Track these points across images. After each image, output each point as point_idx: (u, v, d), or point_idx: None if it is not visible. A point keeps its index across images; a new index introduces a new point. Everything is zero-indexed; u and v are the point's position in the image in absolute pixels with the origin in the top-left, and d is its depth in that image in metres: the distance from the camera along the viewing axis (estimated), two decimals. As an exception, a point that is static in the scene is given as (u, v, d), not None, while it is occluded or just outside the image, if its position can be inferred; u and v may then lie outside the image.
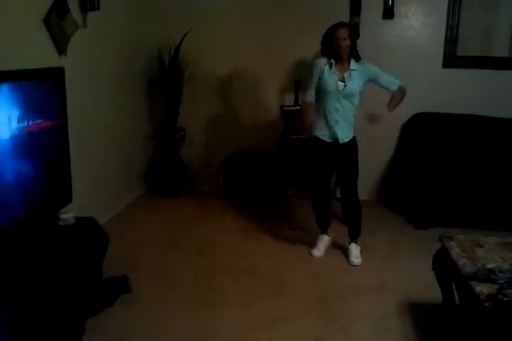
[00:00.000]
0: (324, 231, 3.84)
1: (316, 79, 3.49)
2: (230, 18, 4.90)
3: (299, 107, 4.56)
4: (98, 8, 3.81)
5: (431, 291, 2.98)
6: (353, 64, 3.43)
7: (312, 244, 3.81)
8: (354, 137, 3.58)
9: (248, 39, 4.91)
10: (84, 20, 3.73)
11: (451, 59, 4.76)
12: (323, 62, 3.47)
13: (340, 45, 3.36)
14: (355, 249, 3.70)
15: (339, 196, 4.71)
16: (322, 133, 3.53)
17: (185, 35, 4.70)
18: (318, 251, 3.75)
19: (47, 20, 3.25)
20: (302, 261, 3.67)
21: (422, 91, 4.77)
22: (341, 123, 3.48)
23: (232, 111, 5.11)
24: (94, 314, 2.80)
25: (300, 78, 4.70)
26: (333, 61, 3.44)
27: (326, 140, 3.53)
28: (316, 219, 3.85)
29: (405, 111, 4.79)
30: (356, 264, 3.61)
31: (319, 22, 4.64)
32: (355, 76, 3.43)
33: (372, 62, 3.56)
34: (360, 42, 3.58)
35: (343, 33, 3.36)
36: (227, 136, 5.16)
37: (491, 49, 4.82)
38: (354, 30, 3.44)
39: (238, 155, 5.05)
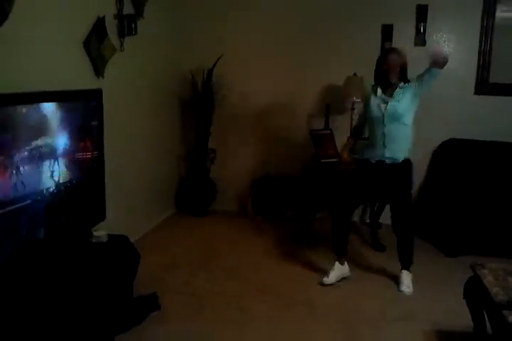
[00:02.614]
0: (340, 259, 3.65)
1: (363, 111, 3.63)
2: (261, 43, 5.00)
3: (328, 131, 4.60)
4: (135, 33, 3.93)
5: (461, 320, 2.91)
6: (400, 84, 3.43)
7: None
8: (406, 160, 3.51)
9: (279, 63, 4.99)
10: (122, 44, 3.85)
11: (484, 86, 4.75)
12: (368, 91, 3.60)
13: (390, 68, 3.37)
14: (406, 277, 3.57)
15: (368, 221, 4.75)
16: (368, 155, 3.54)
17: (218, 60, 4.81)
18: (328, 280, 3.56)
19: (86, 44, 3.37)
20: (331, 285, 3.61)
21: (453, 118, 4.77)
22: (390, 147, 3.43)
23: (263, 134, 5.17)
24: (123, 331, 2.82)
25: (330, 102, 4.75)
26: (378, 88, 3.46)
27: (371, 161, 3.52)
28: (333, 242, 3.68)
29: (436, 137, 4.80)
30: (406, 294, 3.49)
31: (351, 47, 4.78)
32: (401, 95, 3.40)
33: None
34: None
35: (393, 57, 3.38)
36: (256, 157, 5.21)
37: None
38: (403, 55, 3.42)
39: (267, 176, 5.09)
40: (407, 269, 3.61)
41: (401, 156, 3.48)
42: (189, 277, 3.68)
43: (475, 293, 2.66)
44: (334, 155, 4.30)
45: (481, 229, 4.14)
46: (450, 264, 4.03)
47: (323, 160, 4.40)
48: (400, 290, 3.53)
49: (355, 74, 4.52)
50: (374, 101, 3.47)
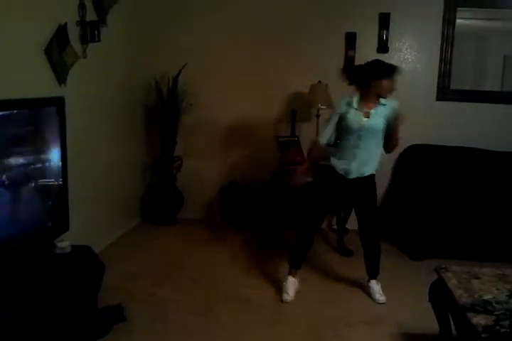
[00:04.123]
0: (293, 272, 3.59)
1: (335, 120, 3.39)
2: (227, 50, 4.99)
3: (295, 138, 4.62)
4: (99, 40, 3.88)
5: (427, 322, 2.94)
6: (382, 99, 3.35)
7: (302, 278, 3.65)
8: (372, 175, 3.46)
9: (245, 70, 5.00)
10: (84, 51, 3.80)
11: (445, 92, 4.85)
12: (344, 101, 3.36)
13: (386, 93, 3.33)
14: (376, 286, 3.57)
15: (335, 227, 4.78)
16: (336, 164, 3.42)
17: (182, 67, 4.79)
18: (289, 296, 3.48)
19: (48, 51, 3.31)
20: (296, 292, 3.58)
21: (416, 124, 4.80)
22: (359, 159, 3.36)
23: (229, 141, 5.16)
24: (88, 344, 2.76)
25: (296, 108, 4.77)
26: (355, 98, 3.34)
27: (339, 171, 3.42)
28: (292, 254, 3.61)
29: (400, 143, 4.83)
30: (382, 301, 3.48)
31: (315, 55, 4.82)
32: (381, 111, 3.32)
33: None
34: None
35: (392, 82, 3.33)
36: (223, 165, 5.19)
37: (484, 83, 4.94)
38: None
39: (234, 183, 5.07)
40: (375, 279, 3.62)
41: (367, 171, 3.43)
42: (155, 287, 3.62)
43: (440, 296, 2.70)
44: (301, 161, 4.30)
45: (445, 233, 4.21)
46: (416, 267, 4.08)
47: (290, 167, 4.41)
48: (375, 300, 3.51)
49: (319, 81, 4.56)
50: (354, 113, 3.31)
